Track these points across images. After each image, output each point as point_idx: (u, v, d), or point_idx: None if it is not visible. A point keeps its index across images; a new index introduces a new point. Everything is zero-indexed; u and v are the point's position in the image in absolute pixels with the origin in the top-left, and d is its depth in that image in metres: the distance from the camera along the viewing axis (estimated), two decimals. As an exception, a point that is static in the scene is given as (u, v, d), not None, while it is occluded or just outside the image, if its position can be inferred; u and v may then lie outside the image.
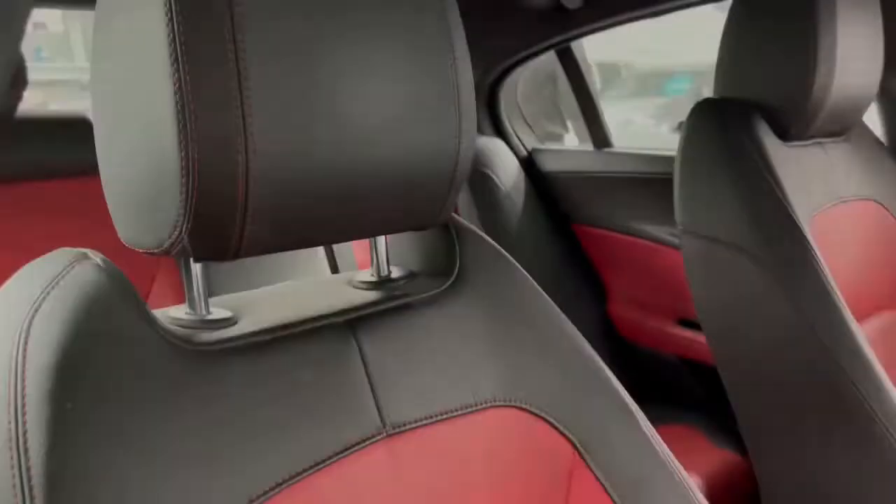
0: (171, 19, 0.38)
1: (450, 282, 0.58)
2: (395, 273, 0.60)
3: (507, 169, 1.77)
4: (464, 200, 1.76)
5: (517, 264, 0.63)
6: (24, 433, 0.37)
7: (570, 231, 1.79)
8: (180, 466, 0.41)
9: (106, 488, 0.38)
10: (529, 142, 1.90)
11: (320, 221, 0.46)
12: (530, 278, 0.62)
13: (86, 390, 0.40)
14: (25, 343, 0.40)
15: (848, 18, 0.93)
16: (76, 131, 1.11)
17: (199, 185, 0.40)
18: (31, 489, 0.37)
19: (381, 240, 0.59)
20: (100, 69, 0.45)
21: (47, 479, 0.37)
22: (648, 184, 1.53)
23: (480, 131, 1.88)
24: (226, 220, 0.41)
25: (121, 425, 0.40)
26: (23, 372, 0.39)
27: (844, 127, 1.07)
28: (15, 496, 0.36)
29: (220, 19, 0.39)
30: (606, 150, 1.70)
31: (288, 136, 0.41)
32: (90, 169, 1.08)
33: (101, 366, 0.41)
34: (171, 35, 0.38)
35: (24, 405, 0.38)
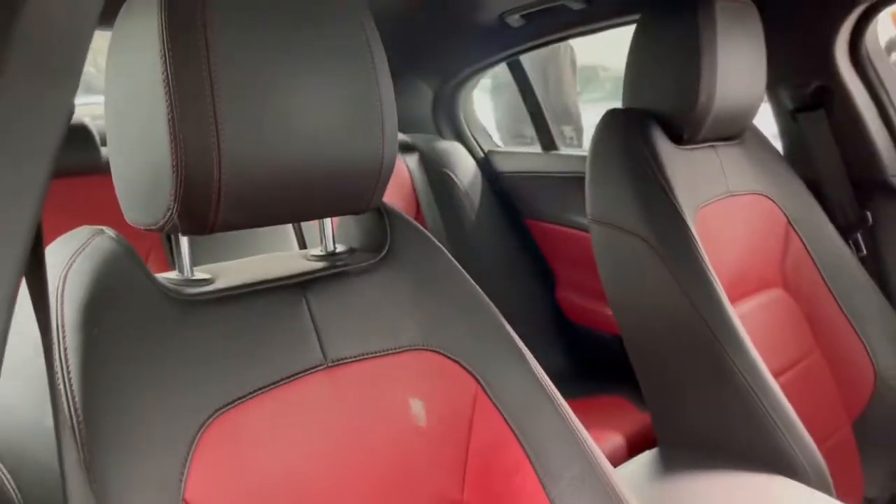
0: (164, 60, 0.51)
1: (381, 255, 0.69)
2: (340, 248, 0.71)
3: (465, 169, 1.88)
4: (426, 198, 1.86)
5: (436, 241, 0.74)
6: (66, 351, 0.51)
7: (522, 225, 1.91)
8: (167, 382, 0.53)
9: (113, 396, 0.51)
10: (486, 144, 2.04)
11: (275, 207, 0.58)
12: (446, 252, 0.74)
13: (104, 325, 0.53)
14: (62, 291, 0.53)
15: (728, 42, 1.08)
16: (77, 136, 1.24)
17: (185, 180, 0.52)
18: (73, 394, 0.50)
19: (328, 222, 0.70)
20: (112, 93, 0.58)
21: (83, 387, 0.50)
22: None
23: (441, 135, 2.00)
24: (204, 205, 0.54)
25: (126, 350, 0.53)
26: (62, 311, 0.52)
27: (734, 132, 1.21)
28: (64, 397, 0.49)
29: (199, 60, 0.51)
30: (553, 152, 1.84)
31: (250, 144, 0.54)
32: (90, 169, 1.23)
33: (114, 308, 0.54)
34: (165, 72, 0.51)
35: (63, 333, 0.52)
